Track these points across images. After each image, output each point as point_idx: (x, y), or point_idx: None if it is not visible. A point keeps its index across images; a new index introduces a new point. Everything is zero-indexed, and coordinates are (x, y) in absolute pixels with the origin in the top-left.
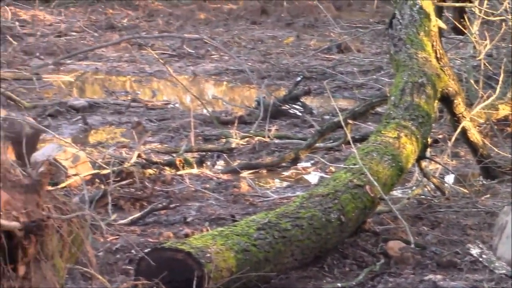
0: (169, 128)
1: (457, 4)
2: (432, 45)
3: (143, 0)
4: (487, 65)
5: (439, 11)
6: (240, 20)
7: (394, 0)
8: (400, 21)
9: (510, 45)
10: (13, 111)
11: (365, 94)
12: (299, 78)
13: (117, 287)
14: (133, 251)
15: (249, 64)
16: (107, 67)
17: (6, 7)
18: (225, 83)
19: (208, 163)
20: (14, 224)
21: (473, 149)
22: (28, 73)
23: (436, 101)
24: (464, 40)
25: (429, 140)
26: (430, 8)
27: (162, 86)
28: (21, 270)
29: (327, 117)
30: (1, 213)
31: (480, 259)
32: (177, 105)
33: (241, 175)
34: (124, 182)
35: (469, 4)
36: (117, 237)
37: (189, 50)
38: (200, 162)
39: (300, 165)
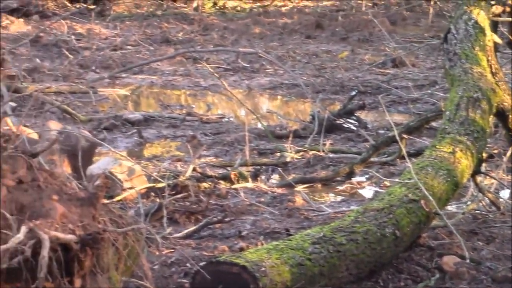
0: (223, 142)
1: None
2: (487, 60)
3: (198, 15)
4: None
5: (494, 26)
6: (295, 34)
7: (450, 15)
8: (455, 35)
9: None
10: (69, 124)
11: (420, 109)
12: (353, 93)
13: None
14: (188, 264)
15: (304, 78)
16: (162, 80)
17: (62, 20)
18: (279, 97)
19: (263, 177)
20: (70, 237)
21: None
22: (84, 86)
23: (491, 116)
24: None
25: (484, 155)
26: (485, 23)
27: (217, 100)
28: (77, 283)
29: (381, 131)
30: (58, 226)
31: None
32: (231, 119)
33: (296, 189)
34: (179, 196)
35: None
36: (172, 250)
37: (244, 64)
38: (255, 176)
39: (355, 179)
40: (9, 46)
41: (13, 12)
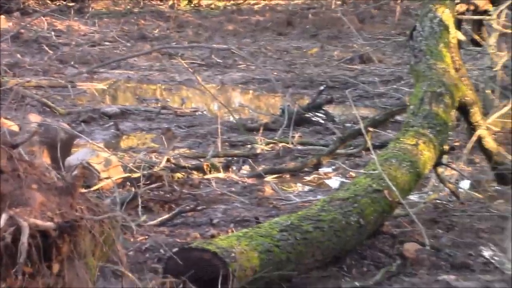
0: (197, 134)
1: (475, 17)
2: (451, 56)
3: (174, 12)
4: (503, 75)
5: (458, 24)
6: (267, 32)
7: (416, 13)
8: (421, 33)
9: None
10: (48, 117)
11: (385, 103)
12: (322, 87)
13: (146, 285)
14: (161, 250)
15: (275, 73)
16: (139, 75)
17: (42, 17)
18: (251, 91)
19: (234, 167)
20: (49, 224)
21: (488, 156)
22: (63, 81)
23: (454, 110)
24: (481, 52)
25: (446, 147)
26: (449, 21)
27: (191, 94)
28: (55, 268)
29: (348, 124)
30: (37, 214)
31: (492, 260)
32: (205, 112)
33: (265, 179)
34: (153, 185)
35: (487, 17)
36: (147, 237)
37: (217, 60)
38: (226, 167)
39: (322, 170)
40: None
41: None
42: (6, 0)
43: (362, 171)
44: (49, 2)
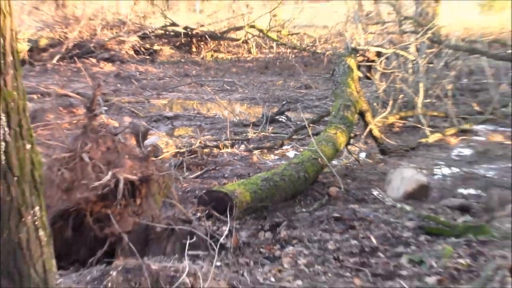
0: (216, 128)
1: (367, 63)
2: (354, 85)
3: (203, 61)
4: (384, 95)
5: (358, 66)
6: (254, 72)
7: (335, 61)
8: (338, 72)
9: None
10: (134, 118)
11: (319, 111)
12: (284, 103)
13: (188, 211)
14: (196, 192)
15: (258, 95)
16: (184, 96)
17: (131, 64)
18: (246, 104)
19: (237, 146)
20: (134, 177)
21: (375, 139)
22: (142, 98)
23: (356, 114)
24: (371, 82)
25: (352, 134)
26: (353, 65)
27: (213, 106)
28: (138, 201)
29: (299, 122)
30: (128, 172)
31: (378, 197)
32: (220, 116)
33: (253, 152)
34: (192, 156)
35: (373, 64)
36: (188, 185)
37: (227, 87)
38: (232, 146)
39: (285, 147)
40: (103, 78)
41: (105, 59)
42: (111, 54)
43: (306, 148)
44: (135, 56)
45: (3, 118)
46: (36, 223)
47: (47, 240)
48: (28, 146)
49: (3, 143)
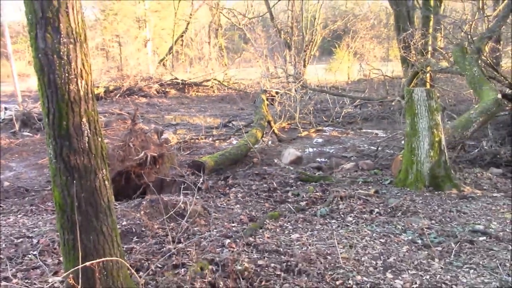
0: (197, 129)
1: (271, 97)
2: (265, 108)
3: (191, 96)
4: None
5: (267, 98)
6: (216, 102)
7: (255, 98)
8: (257, 101)
9: (283, 108)
10: (156, 125)
11: (248, 121)
12: (231, 117)
13: (183, 172)
14: (187, 161)
15: (218, 113)
16: (181, 114)
17: (155, 98)
18: (212, 118)
19: (208, 138)
20: (155, 154)
21: (276, 135)
22: (160, 115)
23: (266, 122)
24: (273, 106)
25: (264, 132)
26: (264, 98)
27: (195, 119)
28: (157, 166)
29: (239, 126)
30: (152, 151)
31: (277, 163)
32: (199, 123)
33: (216, 141)
34: (185, 143)
35: (274, 97)
36: (183, 158)
37: (203, 109)
38: (205, 138)
39: (231, 139)
40: (140, 105)
41: (142, 96)
42: (144, 93)
43: (241, 138)
44: (157, 94)
45: (87, 124)
46: (103, 177)
47: (109, 186)
48: (99, 139)
49: (86, 137)
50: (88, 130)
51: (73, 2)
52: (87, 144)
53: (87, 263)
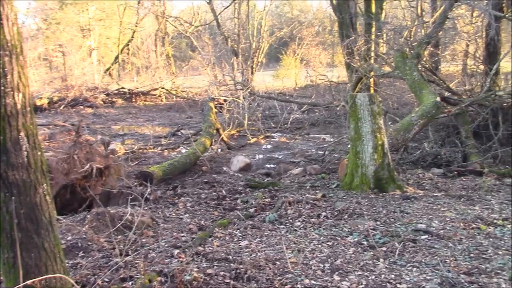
0: (145, 139)
1: (219, 105)
2: (213, 116)
3: (138, 106)
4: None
5: (215, 106)
6: (164, 111)
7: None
8: (205, 110)
9: (232, 115)
10: (102, 135)
11: (197, 129)
12: (179, 125)
13: (132, 183)
14: (134, 172)
15: (166, 122)
16: (129, 123)
17: (101, 108)
18: (160, 127)
19: (156, 147)
20: (101, 166)
21: (225, 142)
22: (107, 126)
23: (214, 130)
24: (222, 114)
25: (213, 140)
26: (212, 106)
27: (143, 128)
28: (103, 178)
29: (188, 135)
30: (97, 163)
31: (226, 170)
32: (148, 133)
33: (164, 151)
34: (132, 154)
35: (222, 105)
36: (130, 168)
37: (151, 118)
38: (154, 147)
39: (180, 148)
40: (86, 116)
41: (87, 106)
42: (90, 104)
43: (190, 147)
44: (103, 104)
45: (25, 139)
46: (44, 192)
47: (50, 201)
48: (39, 153)
49: (25, 152)
50: (27, 144)
51: (7, 13)
52: (26, 159)
53: (28, 281)
